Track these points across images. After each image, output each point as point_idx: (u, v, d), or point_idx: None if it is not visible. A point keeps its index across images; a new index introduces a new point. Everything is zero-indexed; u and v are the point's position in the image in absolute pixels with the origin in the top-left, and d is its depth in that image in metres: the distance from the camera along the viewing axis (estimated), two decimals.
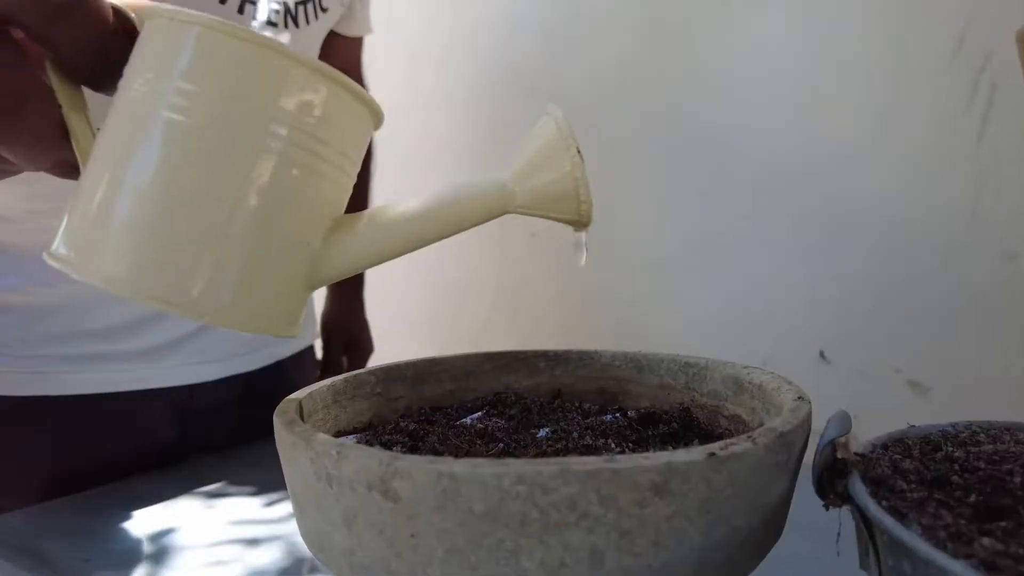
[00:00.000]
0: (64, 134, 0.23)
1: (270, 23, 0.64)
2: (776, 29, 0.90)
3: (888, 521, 0.18)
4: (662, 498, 0.17)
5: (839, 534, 0.22)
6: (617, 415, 0.31)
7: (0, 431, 0.61)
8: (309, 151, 0.23)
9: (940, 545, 0.18)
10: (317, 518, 0.21)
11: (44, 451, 0.62)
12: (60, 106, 0.23)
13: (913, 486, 0.21)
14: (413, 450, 0.27)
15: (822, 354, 0.91)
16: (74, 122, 0.23)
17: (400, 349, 1.13)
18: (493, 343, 1.37)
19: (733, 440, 0.19)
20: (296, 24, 0.66)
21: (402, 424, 0.31)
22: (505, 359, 0.36)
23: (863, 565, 0.22)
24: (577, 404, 0.35)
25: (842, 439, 0.22)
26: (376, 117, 0.27)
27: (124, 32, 0.23)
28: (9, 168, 0.25)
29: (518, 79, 1.18)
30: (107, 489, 0.64)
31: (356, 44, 0.87)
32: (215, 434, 0.72)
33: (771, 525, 0.21)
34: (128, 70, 0.23)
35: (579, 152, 0.25)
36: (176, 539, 0.54)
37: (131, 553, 0.52)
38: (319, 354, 0.89)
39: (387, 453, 0.18)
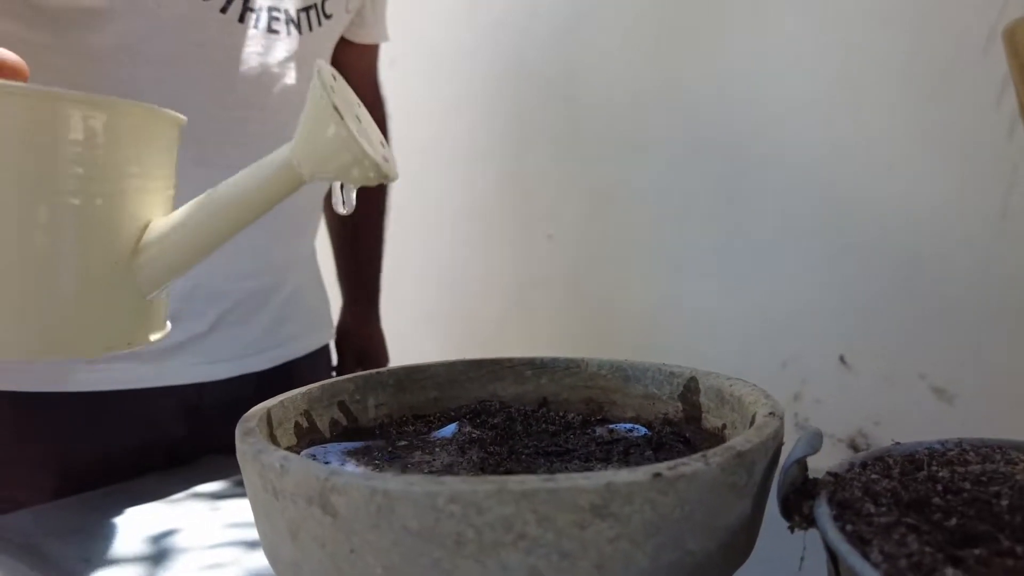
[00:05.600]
0: None
1: (271, 30, 0.64)
2: (799, 26, 0.88)
3: (844, 548, 0.17)
4: (603, 520, 0.17)
5: (803, 559, 0.21)
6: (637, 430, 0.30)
7: (15, 425, 0.63)
8: (96, 183, 0.23)
9: (899, 566, 0.17)
10: (267, 529, 0.21)
11: (56, 446, 0.64)
12: None
13: (883, 509, 0.20)
14: (395, 459, 0.27)
15: (842, 359, 0.89)
16: None
17: (414, 348, 1.13)
18: (508, 343, 1.37)
19: (684, 460, 0.18)
20: (299, 31, 0.66)
21: (378, 433, 0.30)
22: (491, 367, 0.36)
23: None
24: (562, 414, 0.34)
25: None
26: (160, 119, 0.26)
27: None
28: None
29: (535, 80, 1.18)
30: (115, 488, 0.65)
31: (370, 52, 0.87)
32: (224, 434, 0.73)
33: (731, 549, 0.20)
34: None
35: (338, 110, 0.23)
36: (176, 541, 0.55)
37: (130, 554, 0.53)
38: (334, 357, 0.90)
39: (325, 468, 0.18)
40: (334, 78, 0.25)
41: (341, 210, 0.26)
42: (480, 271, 1.27)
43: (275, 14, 0.63)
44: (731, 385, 0.29)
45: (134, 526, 0.58)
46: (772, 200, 0.95)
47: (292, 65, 0.67)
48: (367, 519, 0.17)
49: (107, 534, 0.56)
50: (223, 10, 0.59)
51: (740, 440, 0.20)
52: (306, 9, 0.66)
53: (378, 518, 0.17)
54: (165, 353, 0.66)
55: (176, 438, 0.70)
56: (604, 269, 1.11)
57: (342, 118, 0.22)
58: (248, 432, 0.22)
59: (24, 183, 0.22)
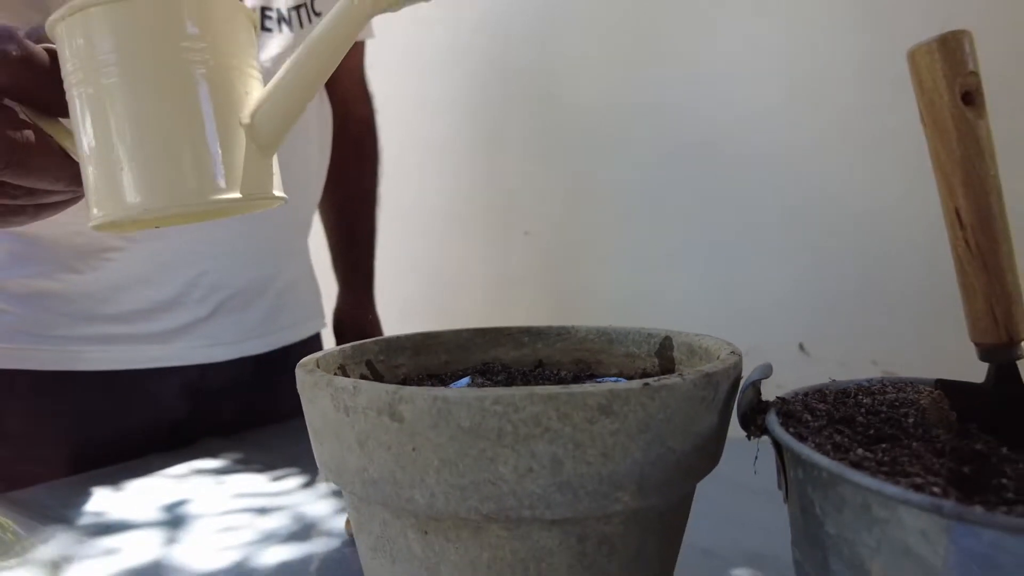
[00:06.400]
0: (65, 154, 0.30)
1: (264, 28, 0.68)
2: (767, 32, 0.96)
3: (787, 439, 0.23)
4: (607, 417, 0.23)
5: (756, 457, 0.27)
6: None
7: (34, 404, 0.66)
8: (214, 58, 0.29)
9: (824, 454, 0.23)
10: (335, 445, 0.26)
11: (71, 424, 0.68)
12: (50, 136, 0.30)
13: (817, 419, 0.27)
14: None
15: (801, 346, 0.97)
16: (63, 139, 0.30)
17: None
18: None
19: (666, 376, 0.24)
20: (290, 28, 0.70)
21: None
22: (493, 334, 0.41)
23: (779, 484, 0.27)
24: (555, 372, 0.40)
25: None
26: (243, 12, 0.32)
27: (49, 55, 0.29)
28: (53, 200, 0.32)
29: (513, 81, 1.23)
30: (123, 466, 0.69)
31: (357, 48, 0.91)
32: (224, 414, 0.77)
33: (703, 452, 0.26)
34: (64, 73, 0.29)
35: None
36: (189, 509, 0.59)
37: (147, 520, 0.57)
38: (326, 345, 0.94)
39: (393, 385, 0.23)
40: None
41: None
42: (458, 267, 1.32)
43: (268, 12, 0.68)
44: (699, 340, 0.35)
45: (146, 497, 0.62)
46: (738, 199, 1.02)
47: (284, 61, 0.71)
48: (428, 421, 0.23)
49: (122, 504, 0.60)
50: None
51: (708, 366, 0.26)
52: (297, 7, 0.71)
53: (437, 419, 0.22)
54: (170, 335, 0.70)
55: (179, 417, 0.74)
56: (579, 265, 1.17)
57: None
58: (313, 370, 0.27)
59: (176, 70, 0.28)
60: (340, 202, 0.91)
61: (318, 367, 0.30)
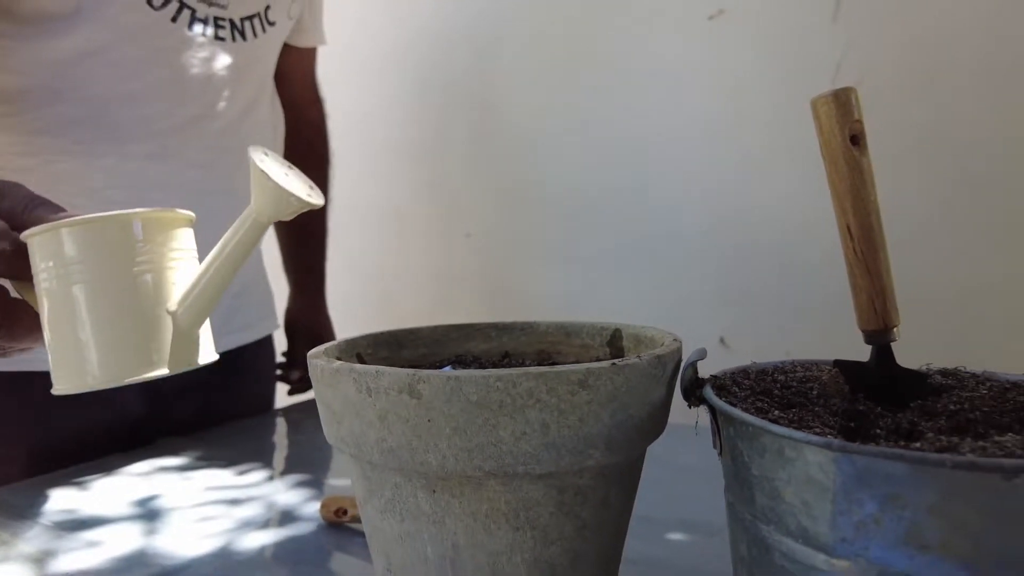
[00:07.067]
0: (36, 315, 0.38)
1: (218, 38, 0.71)
2: (686, 54, 1.04)
3: (723, 405, 0.30)
4: (585, 390, 0.29)
5: (696, 422, 0.33)
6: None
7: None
8: (152, 261, 0.36)
9: (749, 413, 0.29)
10: (355, 422, 0.31)
11: (28, 424, 0.69)
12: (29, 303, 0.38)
13: (743, 391, 0.33)
14: None
15: (722, 340, 1.06)
16: (32, 302, 0.38)
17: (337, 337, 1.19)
18: None
19: (627, 357, 0.30)
20: (244, 38, 0.74)
21: None
22: (466, 329, 0.47)
23: (715, 444, 0.33)
24: (521, 362, 0.46)
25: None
26: (183, 217, 0.39)
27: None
28: (14, 346, 0.40)
29: (455, 88, 1.28)
30: (84, 466, 0.70)
31: (309, 54, 0.94)
32: (182, 414, 0.80)
33: (655, 418, 0.32)
34: (34, 271, 0.36)
35: (269, 175, 0.35)
36: (160, 503, 0.62)
37: (121, 515, 0.59)
38: (277, 346, 0.96)
39: (411, 369, 0.29)
40: (265, 154, 0.36)
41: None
42: (402, 267, 1.36)
43: (220, 23, 0.71)
44: (644, 331, 0.41)
45: (114, 494, 0.64)
46: (665, 204, 1.10)
47: (239, 69, 0.74)
48: (443, 397, 0.28)
49: (91, 501, 0.62)
50: (173, 19, 0.67)
51: (658, 349, 0.32)
52: (250, 18, 0.74)
53: (451, 395, 0.28)
54: None
55: (138, 417, 0.76)
56: (518, 265, 1.23)
57: (272, 180, 0.34)
58: (331, 360, 0.32)
59: (124, 272, 0.35)
60: None
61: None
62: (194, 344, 0.38)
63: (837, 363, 0.38)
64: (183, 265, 0.38)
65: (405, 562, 0.33)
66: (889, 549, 0.25)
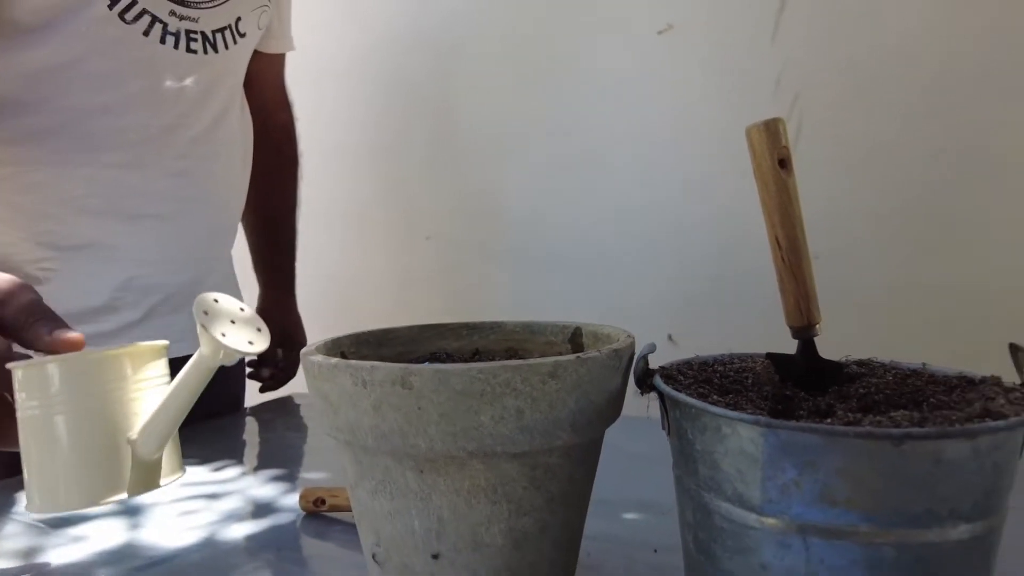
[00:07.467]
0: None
1: (190, 50, 0.74)
2: (637, 66, 1.10)
3: (671, 391, 0.35)
4: (554, 379, 0.33)
5: (647, 406, 0.38)
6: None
7: None
8: (121, 393, 0.41)
9: (692, 397, 0.35)
10: (351, 412, 0.35)
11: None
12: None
13: (687, 379, 0.39)
14: None
15: (670, 337, 1.12)
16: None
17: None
18: None
19: (589, 352, 0.35)
20: (215, 50, 0.76)
21: None
22: (439, 329, 0.51)
23: (664, 426, 0.38)
24: (490, 358, 0.50)
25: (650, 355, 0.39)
26: (156, 349, 0.44)
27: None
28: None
29: (414, 94, 1.32)
30: None
31: (278, 60, 0.97)
32: None
33: (613, 404, 0.37)
34: (18, 395, 0.40)
35: (209, 330, 0.39)
36: (142, 498, 0.64)
37: (103, 512, 0.61)
38: None
39: (403, 364, 0.33)
40: (215, 300, 0.41)
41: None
42: (363, 269, 1.39)
43: (192, 35, 0.73)
44: (602, 328, 0.46)
45: None
46: (616, 211, 1.16)
47: (211, 80, 0.77)
48: (431, 387, 0.32)
49: None
50: (145, 33, 0.69)
51: (615, 344, 0.37)
52: (221, 30, 0.76)
53: (438, 385, 0.32)
54: (106, 338, 0.74)
55: None
56: (477, 267, 1.27)
57: (211, 334, 0.38)
58: (326, 356, 0.36)
59: (96, 404, 0.40)
60: (262, 206, 0.96)
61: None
62: (155, 469, 0.43)
63: (769, 355, 0.43)
64: (150, 395, 0.42)
65: (394, 536, 0.37)
66: (807, 506, 0.30)
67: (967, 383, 0.37)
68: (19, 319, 0.42)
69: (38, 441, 0.39)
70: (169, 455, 0.44)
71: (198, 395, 0.41)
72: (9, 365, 0.40)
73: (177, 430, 0.43)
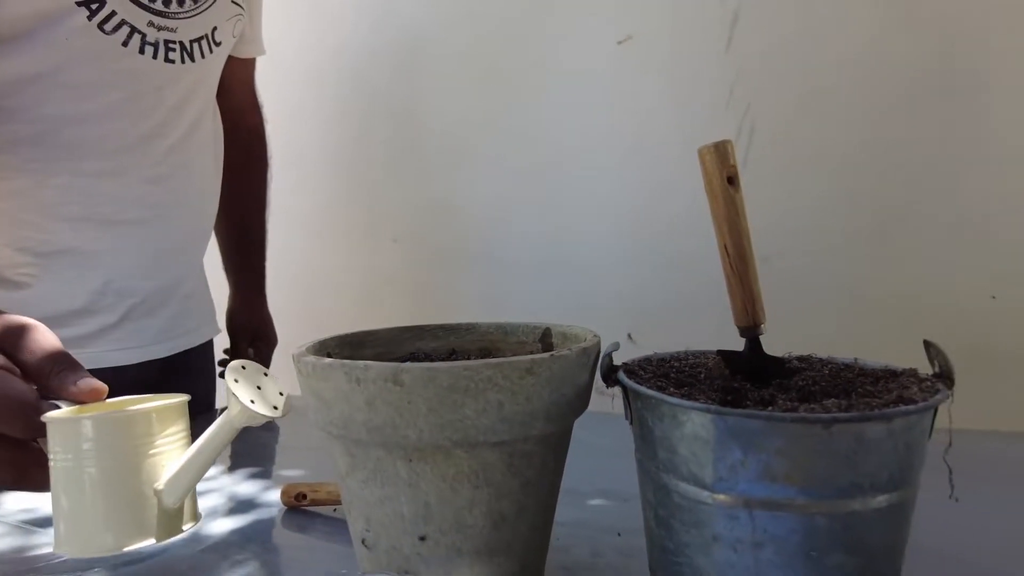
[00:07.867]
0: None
1: (168, 60, 0.76)
2: (596, 75, 1.15)
3: (633, 384, 0.39)
4: (531, 375, 0.37)
5: (612, 398, 0.43)
6: None
7: None
8: (149, 447, 0.44)
9: (652, 390, 0.39)
10: (344, 408, 0.38)
11: None
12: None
13: (647, 374, 0.43)
14: None
15: (630, 336, 1.18)
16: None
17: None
18: None
19: (561, 350, 0.39)
20: (192, 59, 0.78)
21: None
22: (417, 330, 0.55)
23: (627, 416, 0.43)
24: (466, 357, 0.54)
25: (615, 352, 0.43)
26: (180, 404, 0.47)
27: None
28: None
29: (379, 98, 1.34)
30: None
31: (250, 64, 0.99)
32: None
33: (582, 396, 0.41)
34: (51, 446, 0.42)
35: (238, 396, 0.44)
36: None
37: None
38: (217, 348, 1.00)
39: (394, 362, 0.36)
40: (243, 367, 0.45)
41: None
42: (331, 272, 1.41)
43: (171, 46, 0.75)
44: (570, 329, 0.50)
45: None
46: (577, 215, 1.21)
47: (188, 89, 0.79)
48: (421, 383, 0.36)
49: (49, 501, 0.65)
50: (124, 44, 0.71)
51: (583, 343, 0.41)
52: (198, 39, 0.78)
53: (428, 381, 0.36)
54: (84, 340, 0.75)
55: None
56: (443, 269, 1.30)
57: (241, 401, 0.43)
58: (321, 356, 0.40)
59: (128, 457, 0.43)
60: (232, 206, 0.97)
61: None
62: (178, 516, 0.46)
63: (719, 352, 0.48)
64: (174, 448, 0.46)
65: (383, 521, 0.40)
66: (752, 483, 0.35)
67: (891, 375, 0.43)
68: (44, 367, 0.44)
69: (69, 491, 0.42)
70: (188, 502, 0.47)
71: (222, 451, 0.45)
72: (46, 416, 0.42)
73: None
